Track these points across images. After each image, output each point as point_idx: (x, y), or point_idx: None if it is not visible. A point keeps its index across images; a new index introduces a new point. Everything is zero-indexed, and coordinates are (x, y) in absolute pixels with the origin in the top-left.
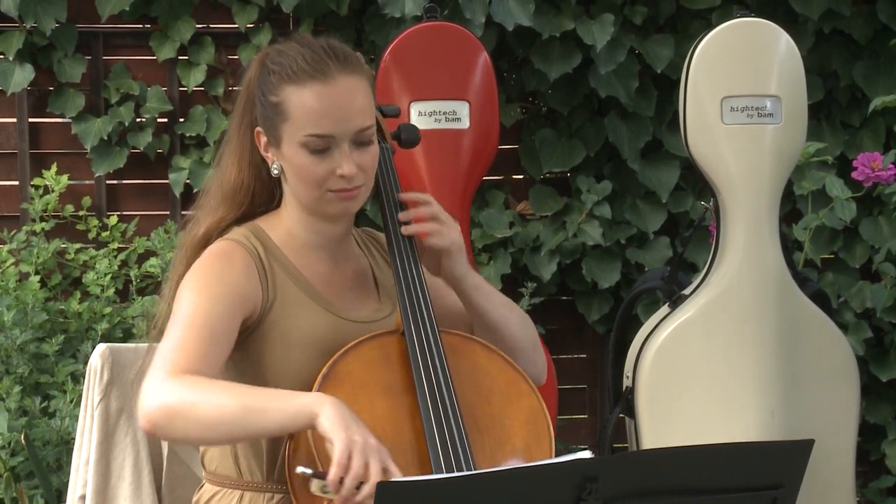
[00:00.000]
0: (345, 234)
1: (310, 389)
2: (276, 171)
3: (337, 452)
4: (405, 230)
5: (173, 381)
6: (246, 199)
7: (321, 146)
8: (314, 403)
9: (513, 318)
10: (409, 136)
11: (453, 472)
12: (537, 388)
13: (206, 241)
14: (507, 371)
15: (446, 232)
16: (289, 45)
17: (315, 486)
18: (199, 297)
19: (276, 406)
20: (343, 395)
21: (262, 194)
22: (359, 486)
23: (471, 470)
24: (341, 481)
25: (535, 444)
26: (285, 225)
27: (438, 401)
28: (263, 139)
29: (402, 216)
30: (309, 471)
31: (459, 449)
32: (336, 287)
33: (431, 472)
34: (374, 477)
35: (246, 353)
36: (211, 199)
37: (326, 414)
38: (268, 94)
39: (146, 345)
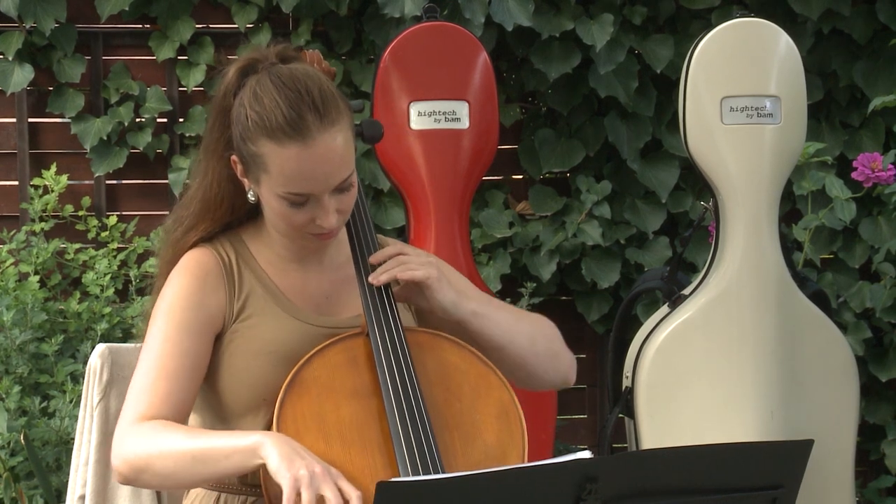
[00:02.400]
0: (324, 247)
1: (275, 397)
2: (252, 199)
3: (285, 495)
4: (374, 279)
5: (136, 432)
6: (227, 214)
7: (301, 201)
8: (258, 447)
9: (520, 334)
10: (371, 132)
11: (419, 473)
12: (567, 387)
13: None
14: (477, 366)
15: (415, 264)
16: (264, 84)
17: None
18: (168, 326)
19: (224, 453)
20: (309, 401)
21: (242, 207)
22: None
23: (438, 470)
24: None
25: (507, 437)
26: (263, 238)
27: (404, 401)
28: (240, 167)
29: (372, 259)
30: None
31: (426, 449)
32: (311, 295)
33: (398, 475)
34: (332, 503)
35: (213, 360)
36: (193, 214)
37: (270, 456)
38: (245, 139)
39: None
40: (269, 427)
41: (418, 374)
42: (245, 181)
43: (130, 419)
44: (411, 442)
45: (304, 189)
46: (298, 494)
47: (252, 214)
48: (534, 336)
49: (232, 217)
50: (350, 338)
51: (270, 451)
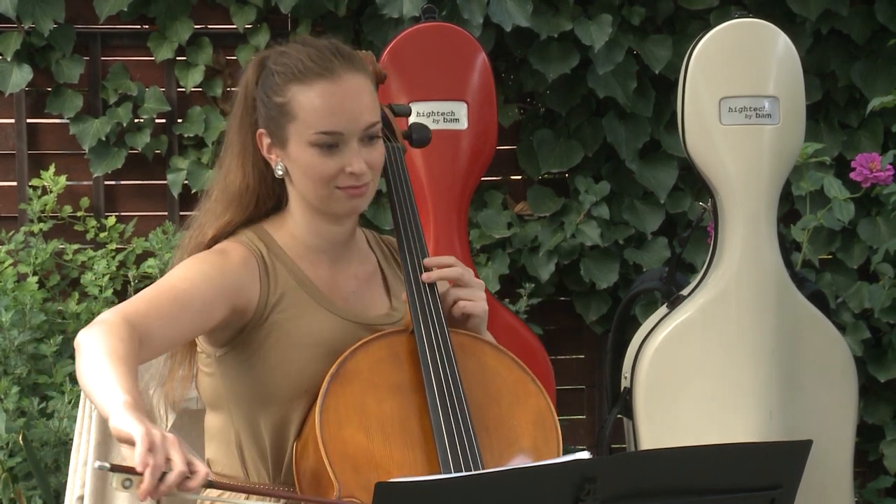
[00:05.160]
0: (349, 237)
1: (315, 390)
2: (280, 173)
3: (137, 449)
4: (426, 277)
5: (104, 329)
6: (251, 203)
7: (330, 143)
8: (113, 416)
9: None
10: (420, 136)
11: (461, 471)
12: None
13: (213, 244)
14: (516, 371)
15: (478, 296)
16: (290, 45)
17: (116, 480)
18: (189, 268)
19: (101, 396)
20: (352, 392)
21: (266, 197)
22: (162, 477)
23: (479, 469)
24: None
25: (542, 444)
26: (289, 228)
27: (447, 400)
28: (266, 141)
29: (427, 262)
30: (108, 465)
31: (468, 448)
32: (340, 289)
33: (440, 471)
34: (178, 466)
35: (248, 352)
36: (216, 204)
37: (124, 424)
38: (272, 95)
39: None
40: (307, 415)
41: (461, 375)
42: (272, 157)
43: (120, 311)
44: (454, 438)
45: (333, 126)
46: (150, 451)
47: (275, 210)
48: None
49: (256, 210)
50: (393, 334)
51: (130, 424)
